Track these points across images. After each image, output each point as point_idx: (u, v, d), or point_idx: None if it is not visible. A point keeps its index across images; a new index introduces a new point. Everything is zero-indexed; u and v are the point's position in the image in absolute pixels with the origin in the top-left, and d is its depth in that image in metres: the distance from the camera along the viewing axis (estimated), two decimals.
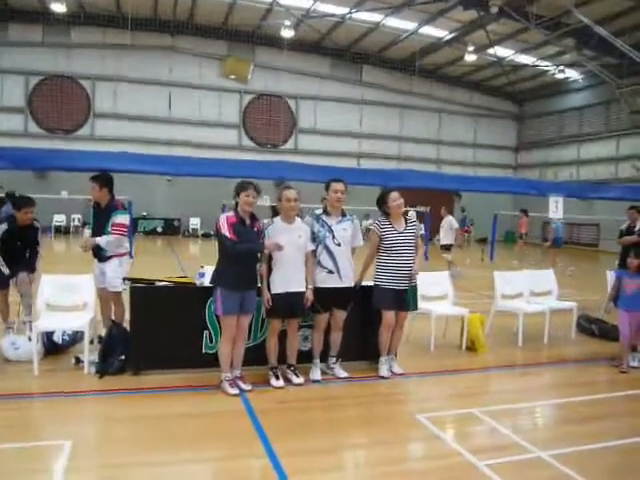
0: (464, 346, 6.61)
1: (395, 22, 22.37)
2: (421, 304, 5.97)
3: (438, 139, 29.58)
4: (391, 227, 5.40)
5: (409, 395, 5.32)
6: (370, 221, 20.02)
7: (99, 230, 5.80)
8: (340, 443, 4.04)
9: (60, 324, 5.47)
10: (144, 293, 5.24)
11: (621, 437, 4.17)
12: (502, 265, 14.68)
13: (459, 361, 6.22)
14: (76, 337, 5.85)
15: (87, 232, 5.50)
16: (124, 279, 5.72)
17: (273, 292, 4.89)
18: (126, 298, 5.39)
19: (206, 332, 5.22)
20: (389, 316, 5.40)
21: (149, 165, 6.97)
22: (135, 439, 3.90)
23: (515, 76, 26.48)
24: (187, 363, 5.19)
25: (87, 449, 3.75)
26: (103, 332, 5.73)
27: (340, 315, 5.29)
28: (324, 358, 5.42)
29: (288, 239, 4.86)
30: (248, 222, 4.75)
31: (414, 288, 5.47)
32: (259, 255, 4.84)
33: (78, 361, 5.35)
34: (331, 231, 5.16)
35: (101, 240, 5.64)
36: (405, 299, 5.37)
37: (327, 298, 5.14)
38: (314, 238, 5.12)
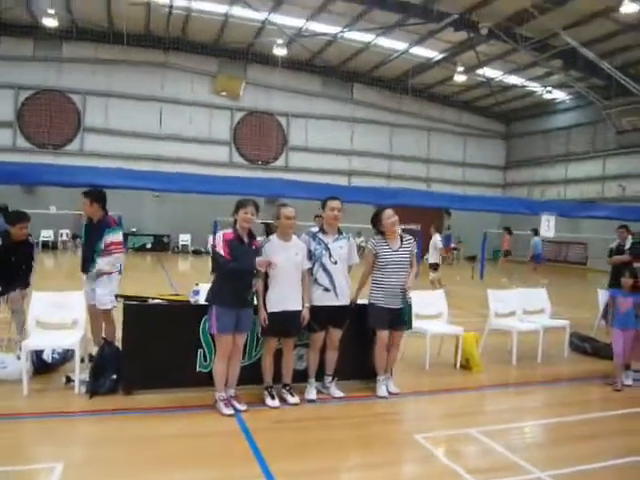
0: (459, 364, 6.58)
1: (386, 42, 22.66)
2: (415, 323, 5.95)
3: (428, 158, 29.81)
4: (386, 245, 5.39)
5: (406, 415, 5.27)
6: (362, 238, 20.00)
7: (90, 245, 5.77)
8: (338, 464, 3.98)
9: (50, 342, 5.35)
10: (137, 311, 5.15)
11: (618, 456, 4.15)
12: (492, 283, 14.72)
13: (454, 380, 6.19)
14: (66, 355, 5.73)
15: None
16: (116, 296, 5.65)
17: (269, 311, 4.84)
18: (118, 316, 5.31)
19: (200, 351, 5.14)
20: (384, 335, 5.37)
21: (142, 181, 6.94)
22: (128, 461, 3.81)
23: (504, 96, 26.90)
24: (181, 382, 5.10)
25: (79, 472, 3.63)
26: (94, 350, 5.63)
27: (336, 334, 5.25)
28: (319, 377, 5.36)
29: (285, 257, 4.84)
30: (246, 240, 4.72)
31: (409, 307, 5.45)
32: (255, 272, 4.80)
33: (69, 380, 5.22)
34: (328, 249, 5.13)
35: (102, 265, 5.67)
36: (400, 318, 5.35)
37: (323, 316, 5.10)
38: (311, 256, 5.09)
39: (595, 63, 18.96)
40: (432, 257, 13.73)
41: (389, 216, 5.41)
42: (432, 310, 6.91)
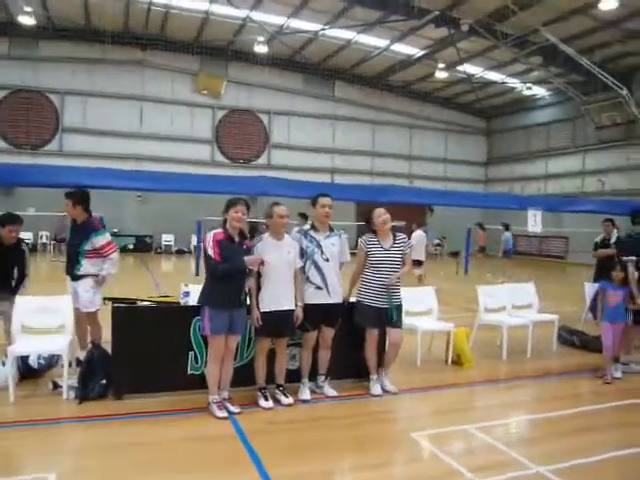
0: (450, 360, 6.58)
1: (367, 39, 22.63)
2: (406, 320, 5.90)
3: (410, 154, 29.90)
4: (377, 244, 5.35)
5: (401, 413, 5.23)
6: (346, 236, 19.92)
7: (75, 246, 5.65)
8: (335, 465, 3.93)
9: (37, 347, 5.21)
10: (126, 313, 5.05)
11: (617, 449, 4.17)
12: (476, 278, 14.83)
13: (447, 376, 6.18)
14: (52, 361, 5.59)
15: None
16: (104, 299, 5.53)
17: (262, 310, 4.77)
18: (106, 318, 5.18)
19: (191, 353, 5.05)
20: (374, 334, 5.33)
21: (128, 181, 6.81)
22: (121, 467, 3.71)
23: (484, 93, 27.04)
24: (172, 386, 5.00)
25: None
26: (80, 354, 5.51)
27: (329, 333, 5.20)
28: (312, 377, 5.30)
29: (278, 255, 4.78)
30: (237, 239, 4.64)
31: (399, 306, 5.39)
32: (248, 271, 4.72)
33: (56, 386, 5.09)
34: (319, 246, 5.08)
35: (108, 271, 5.64)
36: (388, 316, 5.28)
37: (316, 315, 5.04)
38: (302, 254, 5.03)
39: (574, 59, 19.16)
40: (414, 254, 13.73)
41: (379, 214, 5.38)
42: (422, 307, 6.90)
